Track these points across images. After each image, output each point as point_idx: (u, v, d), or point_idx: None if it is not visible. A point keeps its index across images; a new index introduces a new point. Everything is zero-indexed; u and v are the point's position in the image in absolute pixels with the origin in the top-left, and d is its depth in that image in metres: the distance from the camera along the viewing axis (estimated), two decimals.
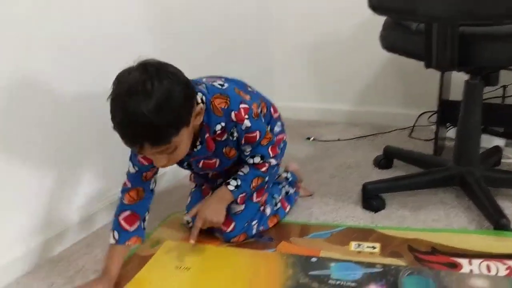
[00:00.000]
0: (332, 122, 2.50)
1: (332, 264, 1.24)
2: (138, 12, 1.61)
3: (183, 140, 1.10)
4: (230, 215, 1.36)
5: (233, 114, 1.22)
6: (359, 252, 1.30)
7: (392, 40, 1.54)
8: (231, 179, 1.33)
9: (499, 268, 1.19)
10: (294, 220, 1.50)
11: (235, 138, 1.27)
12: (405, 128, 2.30)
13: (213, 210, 1.31)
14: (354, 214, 1.51)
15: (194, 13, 1.91)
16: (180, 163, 1.33)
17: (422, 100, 2.28)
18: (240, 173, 1.34)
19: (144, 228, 1.27)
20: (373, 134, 2.27)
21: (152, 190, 1.30)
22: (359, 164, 1.92)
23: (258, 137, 1.28)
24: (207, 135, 1.23)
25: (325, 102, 2.56)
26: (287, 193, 1.55)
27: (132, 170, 1.26)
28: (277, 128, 1.49)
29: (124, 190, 1.27)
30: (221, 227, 1.34)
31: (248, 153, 1.32)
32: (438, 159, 1.80)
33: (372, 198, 1.54)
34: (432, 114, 2.23)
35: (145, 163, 1.23)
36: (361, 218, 1.49)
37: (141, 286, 1.20)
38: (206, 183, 1.47)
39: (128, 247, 1.24)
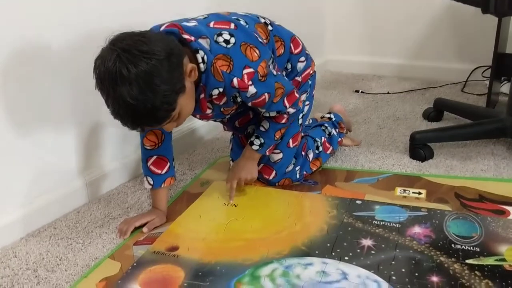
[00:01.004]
0: (382, 75, 2.46)
1: (377, 207, 1.25)
2: None
3: (183, 105, 1.05)
4: (269, 163, 1.38)
5: (235, 80, 1.11)
6: (405, 197, 1.30)
7: None
8: (254, 138, 1.32)
9: None
10: (339, 166, 1.51)
11: (239, 101, 1.20)
12: (457, 83, 2.25)
13: (245, 169, 1.33)
14: (401, 163, 1.51)
15: None
16: None
17: (476, 54, 2.22)
18: (262, 129, 1.31)
19: (174, 167, 1.29)
20: (424, 88, 2.23)
21: (169, 133, 1.26)
22: (408, 117, 1.90)
23: (267, 99, 1.19)
24: (202, 95, 1.14)
25: (376, 56, 2.52)
26: (329, 134, 1.54)
27: None
28: (300, 64, 1.39)
29: (146, 152, 1.25)
30: (263, 176, 1.37)
31: (262, 112, 1.27)
32: (490, 111, 1.76)
33: (420, 147, 1.52)
34: (487, 69, 2.16)
35: None
36: (408, 166, 1.49)
37: (192, 219, 1.25)
38: (235, 131, 1.47)
39: (166, 188, 1.27)
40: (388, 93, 2.20)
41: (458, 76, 2.26)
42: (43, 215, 1.25)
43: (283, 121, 1.29)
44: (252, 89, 1.14)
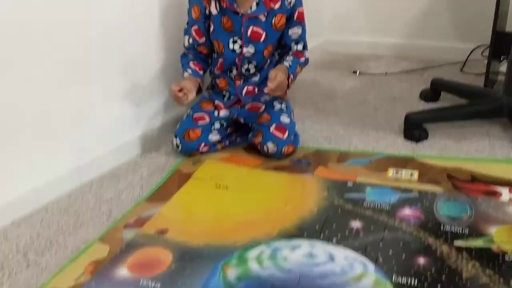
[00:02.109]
0: (380, 55, 2.44)
1: (368, 189, 1.25)
2: None
3: None
4: (281, 124, 1.43)
5: None
6: (397, 179, 1.30)
7: None
8: (283, 62, 1.50)
9: None
10: (332, 147, 1.50)
11: (289, 7, 1.45)
12: (457, 63, 2.22)
13: (283, 83, 1.42)
14: (394, 144, 1.50)
15: None
16: (234, 31, 1.45)
17: (477, 33, 2.18)
18: (286, 63, 1.49)
19: (203, 80, 1.52)
20: (422, 68, 2.20)
21: (206, 65, 1.55)
22: (404, 97, 1.89)
23: (304, 16, 1.50)
24: None
25: (374, 35, 2.49)
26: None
27: (187, 43, 1.50)
28: None
29: (187, 59, 1.50)
30: (276, 136, 1.41)
31: (295, 38, 1.52)
32: (487, 90, 1.74)
33: (414, 128, 1.51)
34: (486, 48, 2.13)
35: (197, 38, 1.48)
36: (402, 148, 1.48)
37: (185, 200, 1.26)
38: (227, 87, 1.55)
39: (197, 80, 1.46)
40: (386, 73, 2.18)
41: (457, 55, 2.23)
42: (35, 199, 1.26)
43: (302, 59, 1.54)
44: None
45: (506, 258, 0.97)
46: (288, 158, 1.44)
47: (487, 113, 1.54)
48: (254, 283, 0.95)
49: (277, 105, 1.52)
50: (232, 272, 0.98)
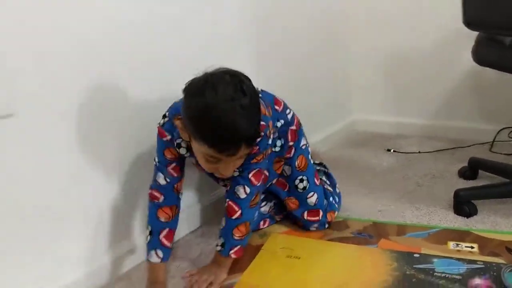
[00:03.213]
0: (408, 135, 2.57)
1: (435, 260, 1.32)
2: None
3: None
4: (312, 208, 1.50)
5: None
6: (458, 251, 1.37)
7: (486, 55, 1.62)
8: (218, 238, 1.32)
9: None
10: (389, 221, 1.58)
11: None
12: (485, 143, 2.35)
13: (208, 271, 1.30)
14: (447, 219, 1.59)
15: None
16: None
17: (501, 116, 2.32)
18: (219, 240, 1.32)
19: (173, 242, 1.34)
20: (453, 148, 2.32)
21: (179, 205, 1.33)
22: (443, 175, 1.99)
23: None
24: None
25: (402, 116, 2.64)
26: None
27: (163, 182, 1.28)
28: (288, 116, 1.46)
29: (157, 205, 1.29)
30: (311, 221, 1.50)
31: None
32: None
33: (464, 204, 1.60)
34: None
35: (175, 174, 1.29)
36: (455, 222, 1.56)
37: (261, 270, 1.33)
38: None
39: (166, 264, 1.30)
40: (419, 152, 2.29)
41: (484, 136, 2.36)
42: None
43: (236, 215, 1.28)
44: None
45: None
46: (349, 230, 1.51)
47: None
48: None
49: (299, 184, 1.49)
50: None
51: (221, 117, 1.05)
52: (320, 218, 1.50)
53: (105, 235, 1.32)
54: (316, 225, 1.51)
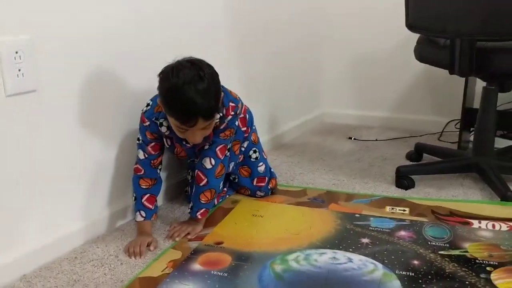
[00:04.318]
0: (370, 126, 2.88)
1: (372, 218, 1.63)
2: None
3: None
4: (260, 174, 1.80)
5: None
6: (393, 213, 1.68)
7: (423, 53, 1.93)
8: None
9: (502, 226, 1.55)
10: (340, 190, 1.89)
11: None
12: (435, 133, 2.67)
13: (187, 223, 1.59)
14: (389, 190, 1.90)
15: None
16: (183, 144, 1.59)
17: (450, 110, 2.65)
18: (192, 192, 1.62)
19: (157, 206, 1.61)
20: (406, 137, 2.64)
21: (160, 177, 1.61)
22: (393, 157, 2.30)
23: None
24: None
25: (364, 110, 2.96)
26: None
27: (142, 157, 1.56)
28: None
29: (139, 176, 1.56)
30: (259, 186, 1.80)
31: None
32: (461, 152, 2.18)
33: (404, 178, 1.91)
34: (458, 122, 2.59)
35: (153, 152, 1.56)
36: (395, 192, 1.87)
37: (229, 224, 1.61)
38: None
39: (152, 221, 1.58)
40: (376, 140, 2.61)
41: (435, 127, 2.68)
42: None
43: (202, 182, 1.56)
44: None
45: (477, 261, 1.34)
46: (306, 197, 1.82)
47: (460, 169, 1.96)
48: (295, 274, 1.30)
49: (252, 154, 1.78)
50: (278, 268, 1.33)
51: (180, 96, 1.34)
52: (265, 184, 1.80)
53: (103, 196, 1.60)
54: (261, 191, 1.81)
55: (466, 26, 1.64)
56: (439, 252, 1.40)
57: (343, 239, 1.48)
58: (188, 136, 1.45)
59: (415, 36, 1.96)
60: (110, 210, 1.62)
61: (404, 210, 1.69)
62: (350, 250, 1.42)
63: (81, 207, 1.52)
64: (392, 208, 1.71)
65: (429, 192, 1.86)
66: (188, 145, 1.57)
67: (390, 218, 1.62)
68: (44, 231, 1.40)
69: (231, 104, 1.55)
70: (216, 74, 1.44)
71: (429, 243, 1.45)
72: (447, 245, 1.44)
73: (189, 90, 1.34)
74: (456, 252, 1.40)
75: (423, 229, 1.54)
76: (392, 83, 2.84)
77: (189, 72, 1.36)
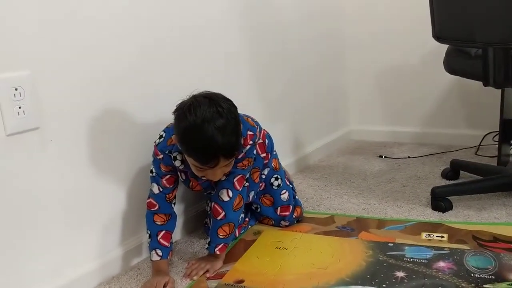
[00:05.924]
0: (401, 143, 2.74)
1: (406, 247, 1.49)
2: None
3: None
4: (284, 203, 1.68)
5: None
6: (429, 240, 1.54)
7: (454, 65, 1.80)
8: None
9: None
10: (371, 216, 1.76)
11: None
12: (472, 147, 2.51)
13: (205, 260, 1.48)
14: (424, 214, 1.75)
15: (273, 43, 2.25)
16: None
17: (487, 122, 2.48)
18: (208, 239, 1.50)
19: (172, 243, 1.51)
20: (441, 153, 2.49)
21: (175, 212, 1.52)
22: (428, 176, 2.15)
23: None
24: None
25: (394, 125, 2.81)
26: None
27: (156, 191, 1.47)
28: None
29: (153, 212, 1.48)
30: (283, 215, 1.68)
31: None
32: (500, 168, 2.01)
33: (440, 200, 1.77)
34: (496, 134, 2.42)
35: (168, 185, 1.48)
36: (431, 216, 1.73)
37: (251, 259, 1.50)
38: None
39: (168, 259, 1.47)
40: (408, 157, 2.46)
41: (471, 141, 2.52)
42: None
43: (220, 216, 1.46)
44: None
45: None
46: (334, 225, 1.69)
47: (501, 187, 1.80)
48: None
49: (274, 182, 1.67)
50: None
51: (199, 137, 1.26)
52: (290, 213, 1.69)
53: (116, 233, 1.51)
54: (286, 220, 1.69)
55: (498, 34, 1.50)
56: (484, 285, 1.25)
57: (375, 273, 1.35)
58: (207, 175, 1.37)
59: (443, 47, 1.83)
60: (124, 248, 1.53)
61: (442, 237, 1.55)
62: (384, 286, 1.29)
63: (94, 247, 1.44)
64: (429, 235, 1.57)
65: (469, 215, 1.71)
66: (204, 178, 1.47)
67: (427, 247, 1.48)
68: (56, 274, 1.32)
69: (249, 133, 1.45)
70: (235, 108, 1.35)
71: (472, 275, 1.31)
72: (493, 277, 1.29)
73: (209, 128, 1.26)
74: (503, 286, 1.25)
75: (465, 258, 1.40)
76: (422, 96, 2.70)
77: (208, 109, 1.28)
